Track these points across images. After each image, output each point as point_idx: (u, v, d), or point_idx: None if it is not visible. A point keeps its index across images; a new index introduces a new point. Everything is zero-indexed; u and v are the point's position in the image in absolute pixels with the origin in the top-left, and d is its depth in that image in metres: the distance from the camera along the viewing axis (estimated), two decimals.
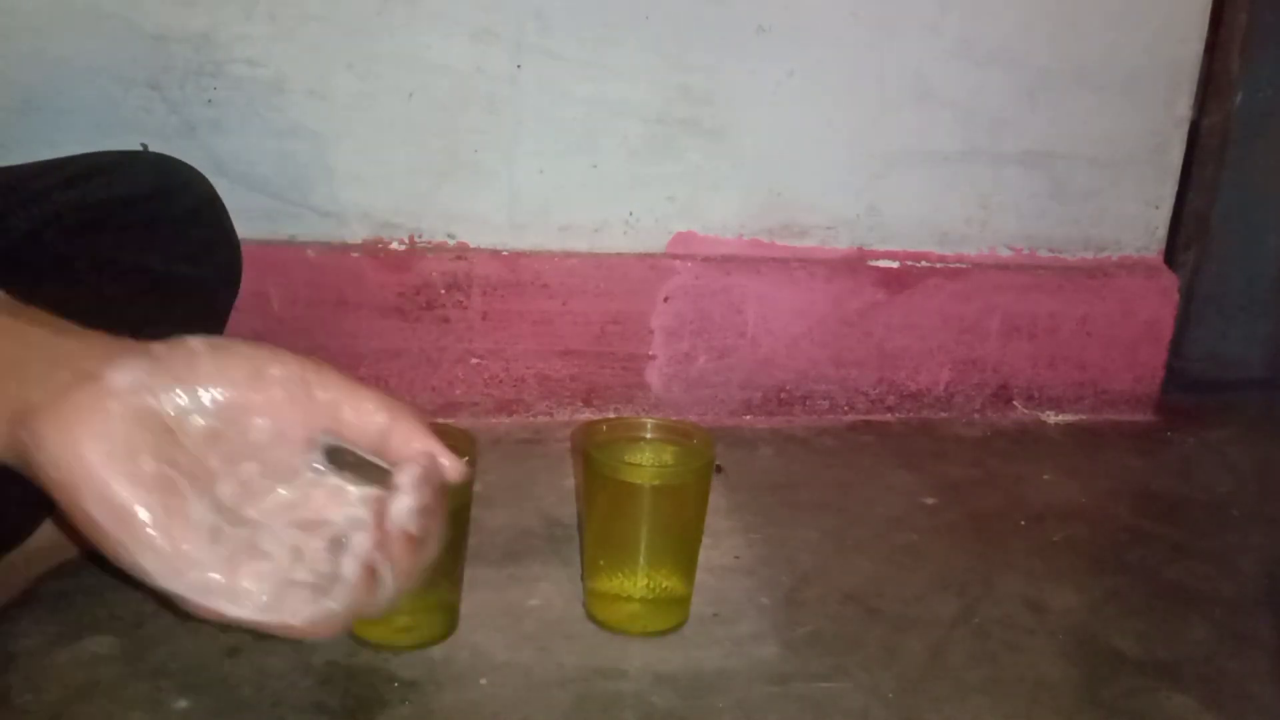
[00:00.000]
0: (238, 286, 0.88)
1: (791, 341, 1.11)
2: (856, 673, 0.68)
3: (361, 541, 0.41)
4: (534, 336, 1.05)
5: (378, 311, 1.02)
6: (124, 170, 0.80)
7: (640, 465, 0.73)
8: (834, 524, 0.89)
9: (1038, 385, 1.18)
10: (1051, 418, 1.19)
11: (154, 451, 0.37)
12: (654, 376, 1.09)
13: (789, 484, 0.97)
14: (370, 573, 0.40)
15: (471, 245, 1.04)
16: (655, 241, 1.08)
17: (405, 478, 0.42)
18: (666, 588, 0.70)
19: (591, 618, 0.72)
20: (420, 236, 1.03)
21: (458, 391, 1.05)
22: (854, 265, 1.12)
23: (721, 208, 1.09)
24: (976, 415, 1.17)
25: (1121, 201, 1.17)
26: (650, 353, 1.08)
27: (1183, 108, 1.16)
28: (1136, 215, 1.18)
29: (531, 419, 1.07)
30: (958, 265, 1.15)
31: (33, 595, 0.70)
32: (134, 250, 0.73)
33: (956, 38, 1.08)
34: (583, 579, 0.74)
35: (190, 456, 0.39)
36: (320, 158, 1.00)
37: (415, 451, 0.43)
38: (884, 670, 0.68)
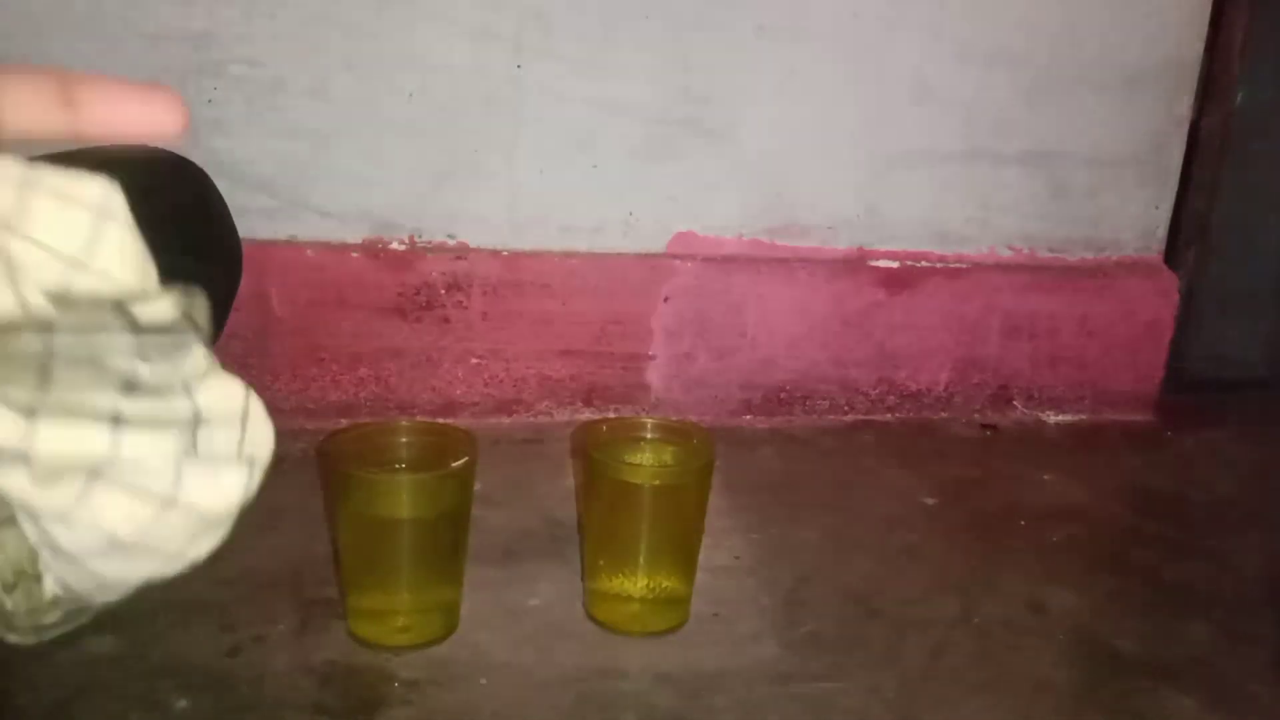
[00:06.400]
0: (238, 282, 0.88)
1: (791, 341, 1.11)
2: (856, 672, 0.68)
3: None
4: (534, 336, 1.05)
5: (378, 311, 1.02)
6: (125, 165, 0.80)
7: (640, 465, 0.73)
8: (834, 524, 0.89)
9: (1038, 385, 1.18)
10: (1051, 418, 1.18)
11: None
12: (654, 376, 1.09)
13: (789, 484, 0.97)
14: None
15: (471, 245, 1.04)
16: (655, 241, 1.08)
17: None
18: (666, 588, 0.70)
19: (591, 618, 0.72)
20: (420, 236, 1.03)
21: (458, 391, 1.05)
22: (854, 265, 1.12)
23: (721, 208, 1.09)
24: (976, 415, 1.17)
25: (1121, 201, 1.17)
26: (650, 353, 1.08)
27: (1183, 108, 1.16)
28: (1136, 215, 1.18)
29: (531, 419, 1.07)
30: (958, 265, 1.15)
31: None
32: None
33: (956, 38, 1.08)
34: (583, 579, 0.74)
35: None
36: (320, 158, 1.00)
37: None
38: (884, 670, 0.68)
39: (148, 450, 0.33)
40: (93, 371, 0.33)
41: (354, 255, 1.01)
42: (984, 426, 1.14)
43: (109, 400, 0.33)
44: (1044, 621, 0.76)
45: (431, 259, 1.02)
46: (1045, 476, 1.02)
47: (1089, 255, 1.18)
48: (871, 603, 0.77)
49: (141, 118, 0.32)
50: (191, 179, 0.85)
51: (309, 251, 1.00)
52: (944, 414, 1.16)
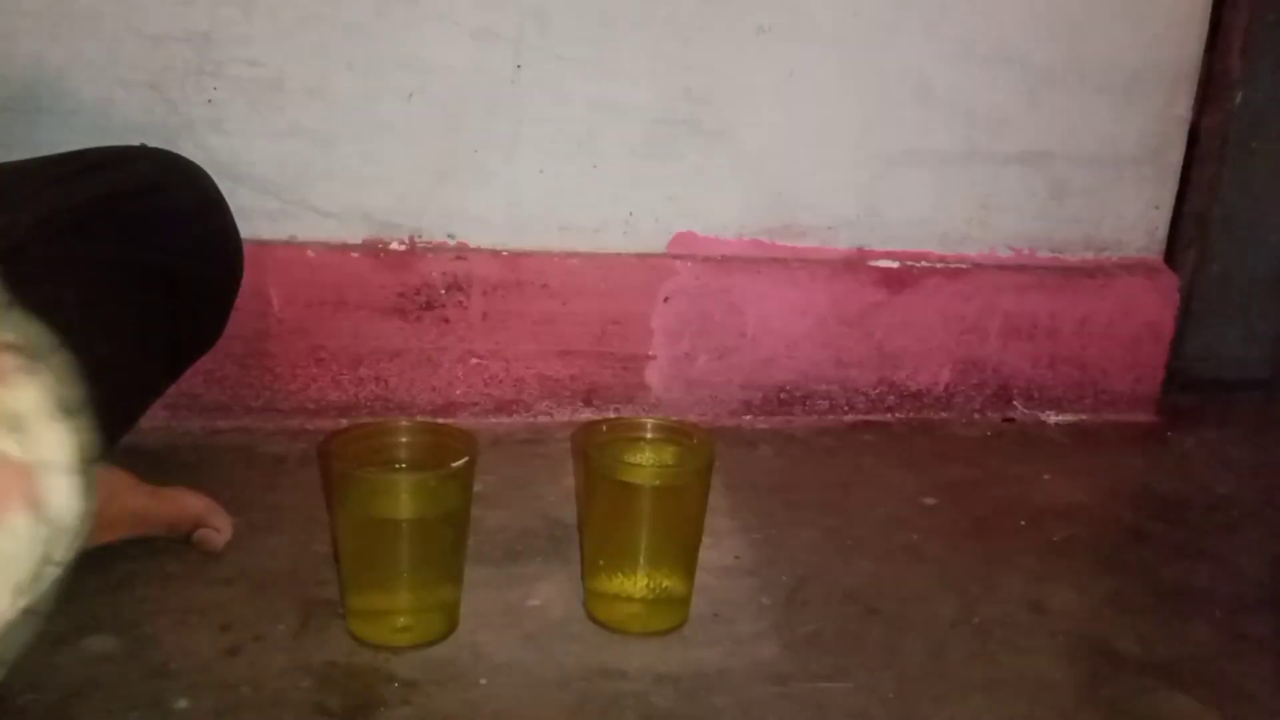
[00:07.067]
0: (239, 281, 0.88)
1: (791, 341, 1.11)
2: (857, 673, 0.68)
3: None
4: (534, 337, 1.05)
5: (378, 311, 1.02)
6: (126, 165, 0.80)
7: (640, 465, 0.73)
8: (834, 524, 0.89)
9: (1038, 385, 1.18)
10: (1051, 418, 1.18)
11: None
12: (654, 376, 1.09)
13: (789, 484, 0.97)
14: None
15: (471, 245, 1.04)
16: (655, 242, 1.08)
17: None
18: (666, 588, 0.70)
19: (592, 618, 0.72)
20: (420, 236, 1.03)
21: (458, 391, 1.05)
22: (854, 265, 1.12)
23: (721, 208, 1.09)
24: (976, 415, 1.17)
25: (1121, 201, 1.17)
26: (650, 353, 1.08)
27: (1183, 108, 1.16)
28: (1136, 215, 1.18)
29: (531, 419, 1.07)
30: (958, 265, 1.15)
31: None
32: (135, 245, 0.74)
33: (956, 38, 1.08)
34: (583, 579, 0.74)
35: None
36: (320, 158, 1.00)
37: None
38: (884, 670, 0.68)
39: None
40: None
41: (354, 255, 1.01)
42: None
43: None
44: (1044, 621, 0.76)
45: (431, 259, 1.02)
46: (1045, 476, 1.02)
47: (1089, 255, 1.18)
48: (871, 603, 0.77)
49: None
50: (192, 179, 0.85)
51: (309, 252, 1.00)
52: (944, 414, 1.16)
